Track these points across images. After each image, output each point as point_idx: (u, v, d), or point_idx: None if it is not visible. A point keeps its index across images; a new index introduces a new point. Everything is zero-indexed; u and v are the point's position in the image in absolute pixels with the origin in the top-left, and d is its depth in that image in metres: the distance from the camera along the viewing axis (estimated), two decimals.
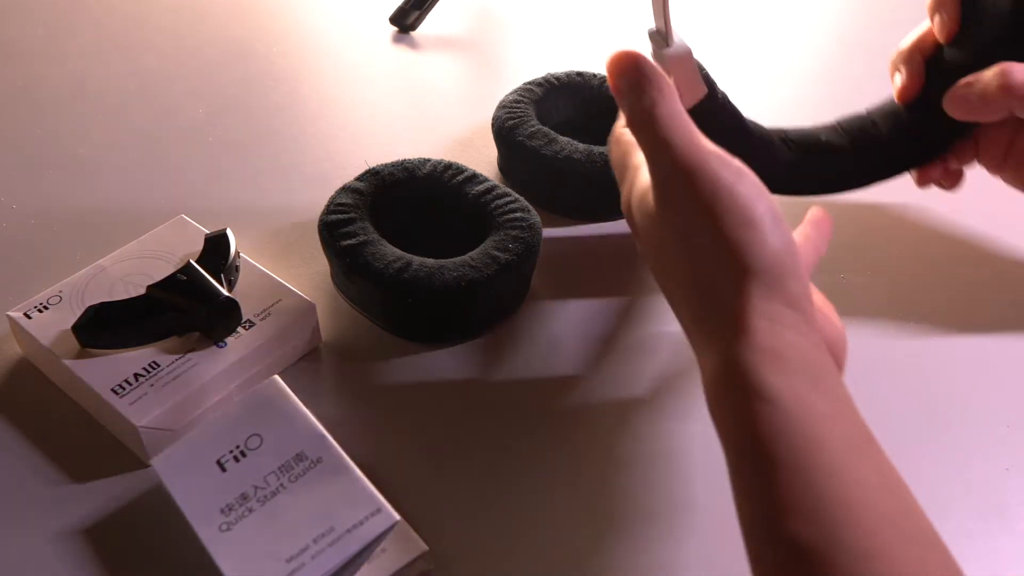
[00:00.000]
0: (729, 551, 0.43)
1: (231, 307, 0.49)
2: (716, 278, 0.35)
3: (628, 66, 0.38)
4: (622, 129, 0.44)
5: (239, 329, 0.50)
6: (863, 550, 0.29)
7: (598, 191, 0.60)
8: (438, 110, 0.73)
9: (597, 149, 0.59)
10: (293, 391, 0.45)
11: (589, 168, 0.58)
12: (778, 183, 0.49)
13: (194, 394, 0.47)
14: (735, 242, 0.34)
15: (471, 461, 0.47)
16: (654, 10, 0.43)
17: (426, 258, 0.52)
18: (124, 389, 0.46)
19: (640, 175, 0.39)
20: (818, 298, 0.39)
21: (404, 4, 0.82)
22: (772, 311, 0.34)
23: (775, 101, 0.74)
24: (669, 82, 0.37)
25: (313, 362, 0.53)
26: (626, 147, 0.42)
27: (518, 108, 0.63)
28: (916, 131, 0.52)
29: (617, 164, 0.43)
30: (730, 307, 0.34)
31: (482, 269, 0.51)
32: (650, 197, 0.37)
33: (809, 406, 0.32)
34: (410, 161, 0.58)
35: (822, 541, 0.29)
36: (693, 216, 0.35)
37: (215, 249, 0.53)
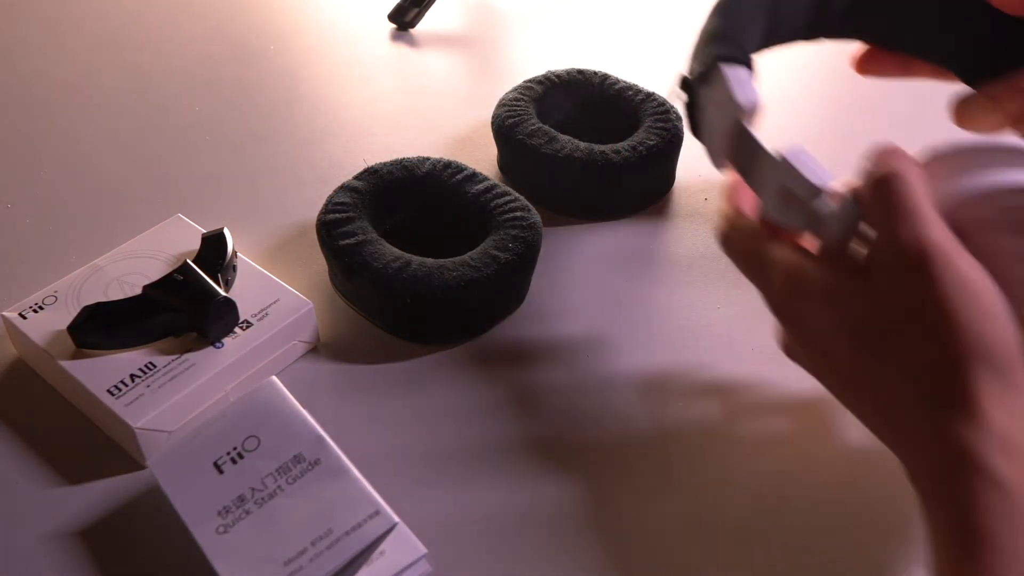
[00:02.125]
0: (737, 551, 0.43)
1: (228, 307, 0.49)
2: (948, 366, 0.34)
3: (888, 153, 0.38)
4: (735, 217, 0.43)
5: (236, 330, 0.50)
6: None
7: (599, 190, 0.60)
8: (437, 108, 0.72)
9: (598, 148, 0.59)
10: (291, 392, 0.45)
11: (589, 166, 0.58)
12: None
13: (191, 395, 0.47)
14: (972, 333, 0.33)
15: (470, 463, 0.47)
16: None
17: (425, 258, 0.52)
18: (120, 390, 0.46)
19: (808, 264, 0.38)
20: None
21: (403, 1, 0.82)
22: (1007, 400, 0.33)
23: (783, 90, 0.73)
24: (924, 172, 0.37)
25: (311, 363, 0.52)
26: (755, 236, 0.41)
27: (518, 106, 0.62)
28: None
29: (747, 254, 0.42)
30: (964, 393, 0.33)
31: (482, 269, 0.51)
32: (858, 278, 0.36)
33: None
34: (409, 160, 0.58)
35: None
36: (932, 304, 0.34)
37: (212, 249, 0.52)
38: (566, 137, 0.60)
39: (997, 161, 0.37)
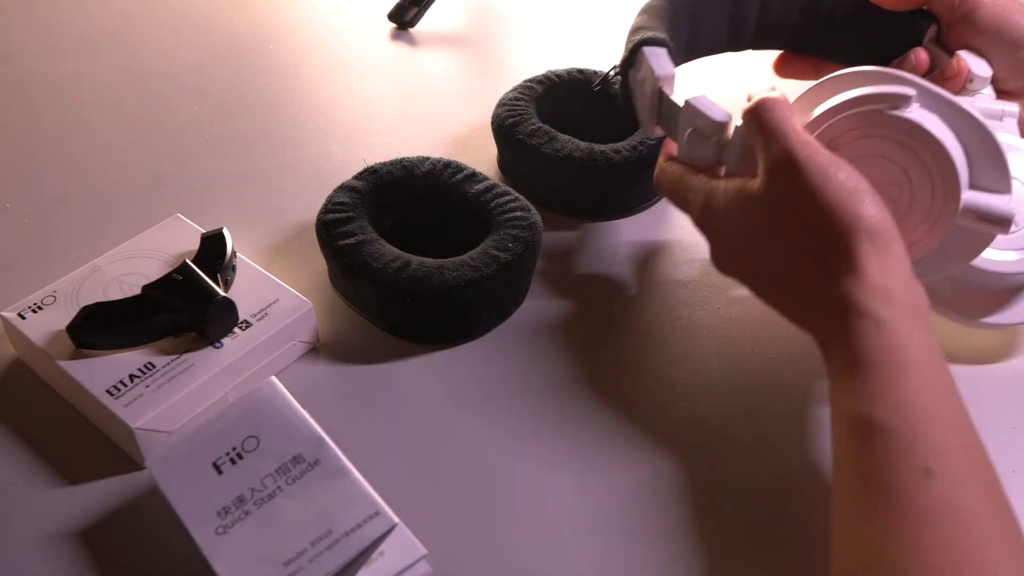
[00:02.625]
0: (743, 551, 0.43)
1: (228, 307, 0.49)
2: (830, 237, 0.41)
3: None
4: (664, 163, 0.51)
5: (236, 330, 0.49)
6: (933, 446, 0.36)
7: (599, 190, 0.60)
8: (437, 108, 0.72)
9: (598, 147, 0.59)
10: (291, 392, 0.45)
11: (590, 166, 0.58)
12: None
13: (190, 395, 0.47)
14: (846, 210, 0.40)
15: (470, 463, 0.47)
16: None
17: (425, 258, 0.52)
18: (119, 390, 0.46)
19: (715, 183, 0.46)
20: None
21: (402, 0, 0.82)
22: (882, 263, 0.40)
23: None
24: (785, 98, 0.45)
25: (311, 363, 0.52)
26: (679, 171, 0.49)
27: (518, 106, 0.62)
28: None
29: (673, 187, 0.49)
30: (844, 256, 0.40)
31: (482, 269, 0.51)
32: (750, 186, 0.44)
33: (910, 334, 0.39)
34: (409, 159, 0.58)
35: (901, 428, 0.36)
36: (803, 193, 0.41)
37: (211, 249, 0.52)
38: (566, 137, 0.60)
39: (855, 82, 0.45)
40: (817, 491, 0.45)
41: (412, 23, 0.82)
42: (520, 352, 0.53)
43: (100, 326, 0.48)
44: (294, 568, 0.39)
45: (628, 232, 0.60)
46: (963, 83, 0.52)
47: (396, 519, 0.40)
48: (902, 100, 0.43)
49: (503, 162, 0.65)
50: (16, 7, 0.84)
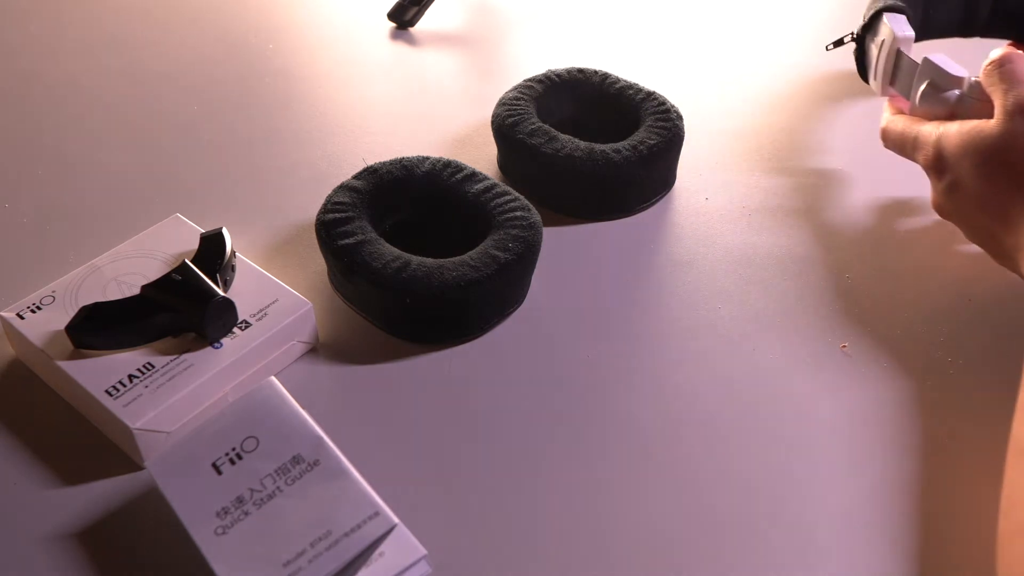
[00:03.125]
0: (738, 553, 0.43)
1: (227, 307, 0.49)
2: None
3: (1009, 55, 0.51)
4: (893, 116, 0.56)
5: (235, 330, 0.49)
6: None
7: (599, 190, 0.60)
8: (437, 107, 0.72)
9: (598, 147, 0.59)
10: (290, 393, 0.45)
11: (590, 166, 0.58)
12: None
13: (189, 396, 0.46)
14: None
15: (470, 463, 0.47)
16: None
17: (425, 257, 0.51)
18: (118, 390, 0.46)
19: (948, 125, 0.51)
20: None
21: (402, 0, 0.82)
22: None
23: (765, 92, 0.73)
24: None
25: (310, 363, 0.52)
26: (908, 122, 0.55)
27: (518, 105, 0.62)
28: None
29: (902, 134, 0.55)
30: None
31: (482, 269, 0.51)
32: (986, 124, 0.48)
33: None
34: (408, 159, 0.58)
35: None
36: None
37: (211, 248, 0.52)
38: (566, 136, 0.59)
39: None
40: (821, 490, 0.45)
41: (412, 22, 0.82)
42: (520, 352, 0.53)
43: (99, 326, 0.48)
44: (293, 569, 0.38)
45: (628, 232, 0.60)
46: None
47: (396, 519, 0.40)
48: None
49: (503, 162, 0.65)
50: (15, 6, 0.84)
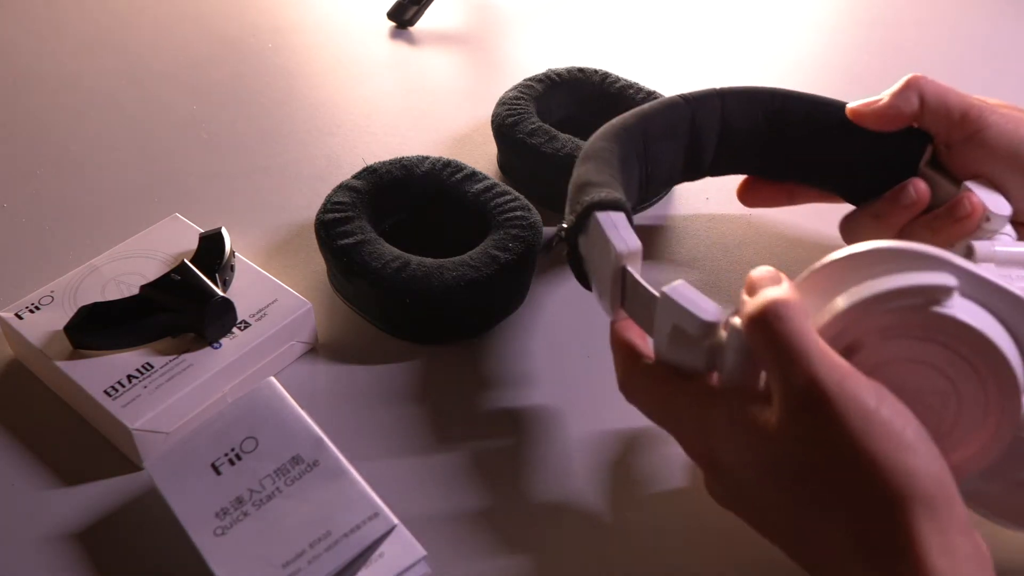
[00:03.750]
0: (735, 552, 0.43)
1: (226, 307, 0.49)
2: (875, 507, 0.32)
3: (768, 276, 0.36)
4: (633, 365, 0.40)
5: (234, 330, 0.49)
6: None
7: None
8: (437, 107, 0.72)
9: None
10: (289, 393, 0.45)
11: None
12: None
13: (188, 396, 0.46)
14: (894, 466, 0.32)
15: (470, 464, 0.47)
16: None
17: (424, 257, 0.51)
18: (117, 391, 0.46)
19: (712, 406, 0.36)
20: None
21: None
22: (948, 544, 0.32)
23: None
24: (798, 300, 0.35)
25: (310, 363, 0.52)
26: (659, 377, 0.39)
27: (518, 105, 0.62)
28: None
29: (653, 399, 0.39)
30: (904, 543, 0.31)
31: (481, 269, 0.51)
32: (763, 418, 0.34)
33: None
34: (408, 159, 0.58)
35: None
36: (836, 438, 0.32)
37: (210, 248, 0.52)
38: (566, 136, 0.59)
39: (874, 267, 0.36)
40: None
41: (411, 22, 0.82)
42: (520, 352, 0.52)
43: (98, 326, 0.48)
44: (293, 569, 0.38)
45: None
46: (978, 223, 0.44)
47: (395, 520, 0.40)
48: (942, 293, 0.34)
49: (503, 161, 0.64)
50: (13, 6, 0.84)
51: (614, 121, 0.50)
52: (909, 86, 0.47)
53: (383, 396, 0.50)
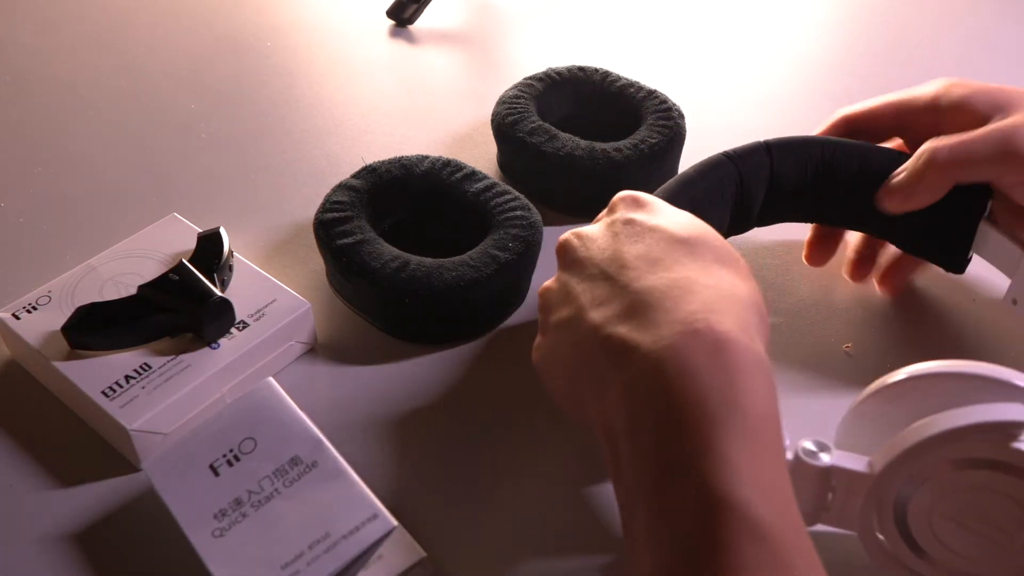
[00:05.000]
0: None
1: (224, 307, 0.48)
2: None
3: None
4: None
5: (233, 330, 0.49)
6: None
7: (600, 189, 0.59)
8: (436, 106, 0.72)
9: (599, 146, 0.58)
10: (288, 393, 0.44)
11: (590, 165, 0.58)
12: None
13: (187, 396, 0.46)
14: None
15: (470, 465, 0.46)
16: None
17: (424, 257, 0.51)
18: (115, 391, 0.46)
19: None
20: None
21: None
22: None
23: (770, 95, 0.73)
24: None
25: (309, 364, 0.52)
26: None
27: (518, 104, 0.62)
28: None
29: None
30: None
31: (481, 268, 0.50)
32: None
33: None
34: (408, 158, 0.57)
35: None
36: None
37: (208, 248, 0.52)
38: (567, 135, 0.59)
39: (941, 395, 0.37)
40: None
41: (411, 20, 0.81)
42: (520, 352, 0.52)
43: (95, 326, 0.47)
44: (292, 571, 0.38)
45: None
46: None
47: (395, 522, 0.40)
48: (1020, 429, 0.34)
49: (503, 161, 0.64)
50: (12, 5, 0.83)
51: (659, 191, 0.49)
52: (930, 167, 0.46)
53: (383, 397, 0.50)
